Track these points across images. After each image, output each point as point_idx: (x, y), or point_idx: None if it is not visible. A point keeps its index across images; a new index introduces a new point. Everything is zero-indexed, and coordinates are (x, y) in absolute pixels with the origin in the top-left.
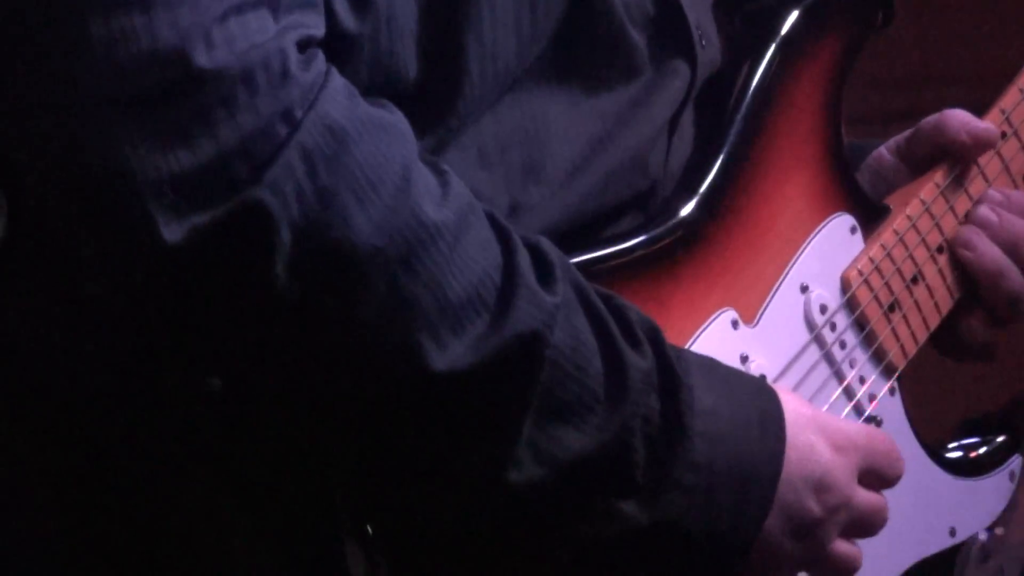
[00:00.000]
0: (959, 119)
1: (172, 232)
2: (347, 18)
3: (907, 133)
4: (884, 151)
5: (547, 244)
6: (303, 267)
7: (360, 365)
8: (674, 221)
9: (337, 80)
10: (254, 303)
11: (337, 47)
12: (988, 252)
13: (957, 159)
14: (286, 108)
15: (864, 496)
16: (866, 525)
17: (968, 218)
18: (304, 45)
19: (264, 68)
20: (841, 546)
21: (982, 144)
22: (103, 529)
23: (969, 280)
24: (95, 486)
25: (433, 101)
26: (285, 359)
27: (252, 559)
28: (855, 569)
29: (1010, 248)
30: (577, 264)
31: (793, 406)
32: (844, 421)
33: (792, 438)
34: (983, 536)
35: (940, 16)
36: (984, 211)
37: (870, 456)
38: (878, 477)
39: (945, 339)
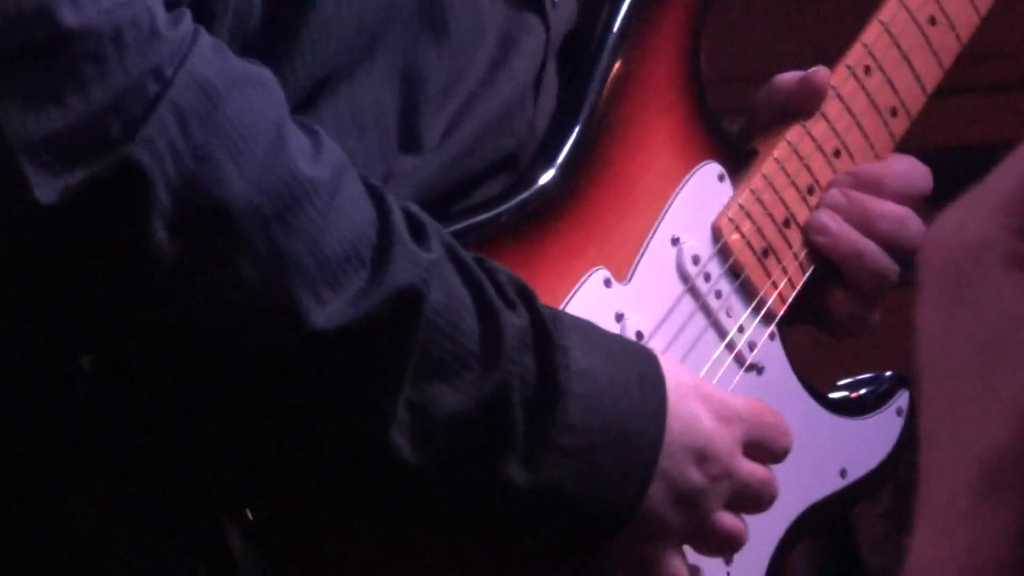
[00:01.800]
0: (782, 79)
1: (46, 192)
2: None
3: (743, 121)
4: None
5: (416, 207)
6: (180, 225)
7: (239, 323)
8: (537, 186)
9: (206, 37)
10: (132, 263)
11: (207, 6)
12: (843, 235)
13: (811, 104)
14: (155, 66)
15: (748, 468)
16: (752, 497)
17: (820, 202)
18: (172, 3)
19: (133, 26)
20: (725, 518)
21: (816, 84)
22: None
23: None
24: None
25: (279, 40)
26: (163, 324)
27: (130, 542)
28: (740, 543)
29: (862, 226)
30: None
31: (674, 374)
32: (728, 393)
33: (673, 406)
34: None
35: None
36: (832, 194)
37: (756, 428)
38: (764, 450)
39: (821, 319)
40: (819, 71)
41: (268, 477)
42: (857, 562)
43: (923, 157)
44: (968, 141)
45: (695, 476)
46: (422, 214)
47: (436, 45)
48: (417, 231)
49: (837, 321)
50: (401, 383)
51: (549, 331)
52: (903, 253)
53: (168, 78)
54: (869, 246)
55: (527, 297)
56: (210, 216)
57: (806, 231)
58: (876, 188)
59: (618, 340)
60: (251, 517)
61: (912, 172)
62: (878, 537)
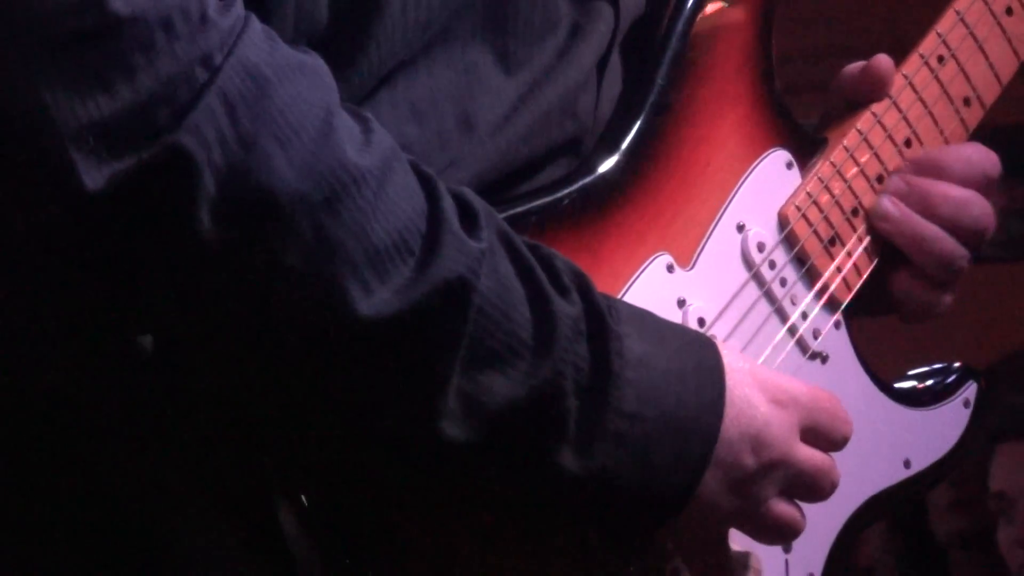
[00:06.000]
0: (848, 70)
1: (93, 179)
2: None
3: (821, 115)
4: None
5: (471, 194)
6: (227, 213)
7: (287, 311)
8: (600, 171)
9: (256, 25)
10: (179, 250)
11: (265, 3)
12: (904, 220)
13: (874, 92)
14: (205, 53)
15: (806, 453)
16: (809, 484)
17: (883, 189)
18: None
19: (182, 13)
20: (780, 505)
21: (878, 72)
22: (39, 503)
23: None
24: (29, 460)
25: (347, 40)
26: (212, 309)
27: (186, 521)
28: (795, 531)
29: (924, 211)
30: (505, 218)
31: (730, 360)
32: (786, 377)
33: (728, 392)
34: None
35: None
36: (894, 180)
37: (813, 414)
38: (822, 436)
39: (893, 306)
40: (880, 58)
41: (322, 460)
42: (926, 532)
43: (993, 138)
44: None
45: (750, 463)
46: (476, 200)
47: (499, 36)
48: (469, 219)
49: (908, 307)
50: (450, 372)
51: (604, 318)
52: (969, 236)
53: (217, 65)
54: (932, 230)
55: (582, 284)
56: (256, 204)
57: (869, 218)
58: (937, 172)
59: (675, 328)
60: (305, 503)
61: (974, 156)
62: (945, 505)
